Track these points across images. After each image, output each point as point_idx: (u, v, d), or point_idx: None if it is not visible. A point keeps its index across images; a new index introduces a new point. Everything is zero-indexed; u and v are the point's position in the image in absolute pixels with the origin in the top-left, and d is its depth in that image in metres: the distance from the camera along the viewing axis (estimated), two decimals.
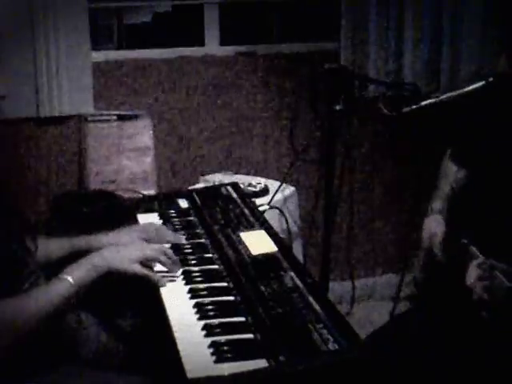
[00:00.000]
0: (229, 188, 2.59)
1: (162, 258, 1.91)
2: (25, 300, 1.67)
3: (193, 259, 2.04)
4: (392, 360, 1.96)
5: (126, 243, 2.07)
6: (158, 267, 1.93)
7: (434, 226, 2.29)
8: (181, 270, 1.95)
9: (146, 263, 1.88)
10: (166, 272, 1.92)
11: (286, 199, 3.19)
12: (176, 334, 1.64)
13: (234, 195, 2.51)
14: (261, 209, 2.55)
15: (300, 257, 3.28)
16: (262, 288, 1.79)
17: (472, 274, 1.95)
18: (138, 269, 1.84)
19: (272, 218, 2.80)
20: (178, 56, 3.61)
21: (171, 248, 2.11)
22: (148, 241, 2.13)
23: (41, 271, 1.84)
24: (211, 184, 3.01)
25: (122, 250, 1.89)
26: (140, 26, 5.53)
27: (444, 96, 2.30)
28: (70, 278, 1.72)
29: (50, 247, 2.03)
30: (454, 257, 2.13)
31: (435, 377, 1.96)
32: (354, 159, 3.63)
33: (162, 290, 1.85)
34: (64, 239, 2.10)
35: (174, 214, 2.41)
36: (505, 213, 2.09)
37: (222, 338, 1.60)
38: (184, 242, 2.17)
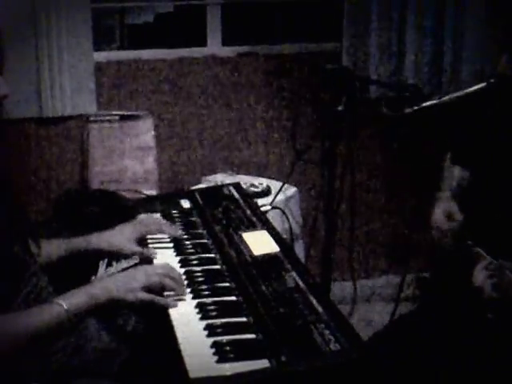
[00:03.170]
0: (231, 188, 2.59)
1: (168, 282, 1.83)
2: (13, 319, 1.65)
3: (195, 259, 2.04)
4: (393, 361, 1.97)
5: (124, 240, 2.08)
6: None
7: (448, 203, 2.30)
8: (183, 270, 1.95)
9: (152, 289, 1.80)
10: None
11: (287, 200, 3.19)
12: (178, 334, 1.64)
13: (236, 195, 2.51)
14: (263, 209, 2.56)
15: (302, 257, 3.28)
16: (264, 288, 1.79)
17: (480, 274, 1.95)
18: (143, 296, 1.77)
19: (274, 218, 2.80)
20: (180, 56, 3.62)
21: (173, 247, 2.13)
22: (145, 234, 2.14)
23: (42, 273, 1.84)
24: (213, 184, 3.02)
25: (124, 279, 1.81)
26: (142, 27, 5.53)
27: (445, 97, 2.30)
28: (64, 305, 1.68)
29: (50, 248, 2.02)
30: (459, 257, 2.14)
31: (437, 378, 1.97)
32: (356, 160, 3.63)
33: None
34: (63, 240, 2.09)
35: (176, 214, 2.42)
36: (509, 213, 2.09)
37: (224, 338, 1.60)
38: (180, 234, 2.17)
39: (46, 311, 1.68)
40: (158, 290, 1.81)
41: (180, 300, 1.81)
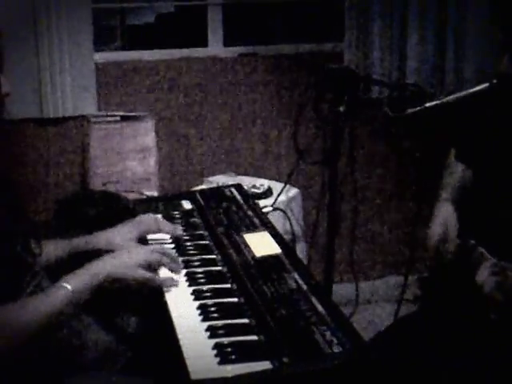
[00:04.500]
0: (232, 189, 2.58)
1: (164, 260, 1.89)
2: (22, 306, 1.65)
3: (196, 260, 2.03)
4: (396, 362, 1.96)
5: (124, 239, 2.07)
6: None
7: (447, 214, 2.30)
8: (184, 271, 1.95)
9: (149, 267, 1.85)
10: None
11: (289, 201, 3.19)
12: (180, 336, 1.64)
13: (238, 197, 2.50)
14: (264, 210, 2.55)
15: (304, 258, 3.27)
16: (266, 290, 1.79)
17: (483, 272, 1.94)
18: (140, 274, 1.81)
19: (275, 219, 2.79)
20: (181, 57, 3.62)
21: (174, 248, 2.12)
22: (145, 233, 2.14)
23: (44, 273, 1.84)
24: (214, 185, 3.01)
25: (122, 256, 1.86)
26: (143, 27, 5.54)
27: (448, 98, 2.29)
28: (68, 286, 1.69)
29: (51, 249, 2.01)
30: (461, 257, 2.13)
31: (440, 379, 1.96)
32: (358, 161, 3.62)
33: (166, 292, 1.84)
34: (63, 240, 2.08)
35: (177, 216, 2.41)
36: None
37: (226, 340, 1.59)
38: (181, 233, 2.17)
39: (53, 294, 1.69)
40: (155, 268, 1.87)
41: (176, 284, 1.86)
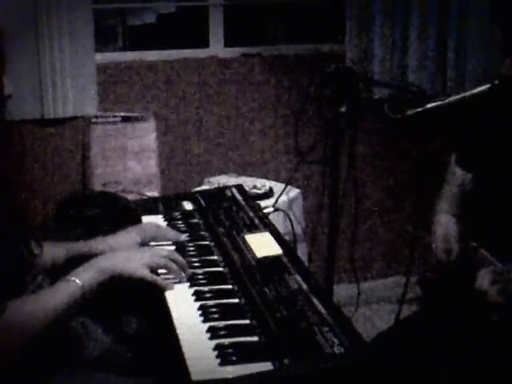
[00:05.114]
0: (233, 190, 2.58)
1: (170, 265, 1.88)
2: (33, 301, 1.65)
3: (197, 261, 2.03)
4: (397, 363, 1.96)
5: (127, 245, 2.06)
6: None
7: (446, 225, 2.29)
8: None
9: (154, 269, 1.86)
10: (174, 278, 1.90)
11: (290, 201, 3.19)
12: (180, 337, 1.63)
13: (239, 197, 2.51)
14: (265, 211, 2.54)
15: (305, 259, 3.27)
16: (267, 290, 1.79)
17: (484, 279, 1.94)
18: (145, 274, 1.81)
19: (277, 220, 2.79)
20: (183, 57, 3.61)
21: (175, 249, 2.11)
22: (148, 240, 2.13)
23: (45, 274, 1.84)
24: (215, 186, 3.01)
25: (129, 254, 1.87)
26: (144, 28, 5.53)
27: (449, 99, 2.29)
28: (77, 280, 1.70)
29: (52, 251, 2.01)
30: (463, 259, 2.13)
31: (440, 380, 1.96)
32: (358, 161, 3.62)
33: (167, 292, 1.84)
34: (62, 243, 2.08)
35: (178, 216, 2.41)
36: None
37: (227, 341, 1.59)
38: (184, 239, 2.16)
39: (61, 289, 1.69)
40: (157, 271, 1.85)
41: (180, 283, 1.86)
